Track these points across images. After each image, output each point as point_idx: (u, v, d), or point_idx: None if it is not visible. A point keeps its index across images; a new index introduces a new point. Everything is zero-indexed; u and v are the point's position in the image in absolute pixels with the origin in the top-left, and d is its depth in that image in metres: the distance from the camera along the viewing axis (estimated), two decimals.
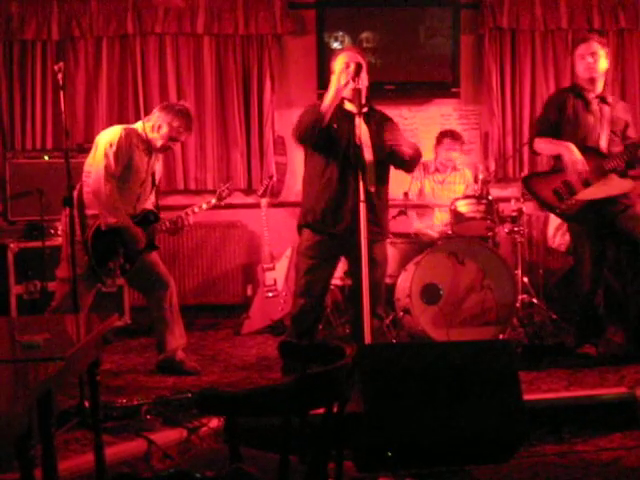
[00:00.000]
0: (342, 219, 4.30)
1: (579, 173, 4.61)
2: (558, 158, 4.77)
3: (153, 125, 4.54)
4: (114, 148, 4.35)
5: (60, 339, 2.72)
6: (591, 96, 4.78)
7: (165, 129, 4.53)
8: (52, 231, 5.48)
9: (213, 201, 4.89)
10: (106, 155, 4.33)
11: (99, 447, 2.96)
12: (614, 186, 4.67)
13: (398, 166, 4.45)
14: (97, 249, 4.39)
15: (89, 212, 4.39)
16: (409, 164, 4.47)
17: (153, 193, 4.77)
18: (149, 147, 4.57)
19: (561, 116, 4.76)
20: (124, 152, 4.40)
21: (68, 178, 3.92)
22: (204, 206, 4.83)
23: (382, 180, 4.40)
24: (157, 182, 4.79)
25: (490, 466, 3.40)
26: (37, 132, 6.39)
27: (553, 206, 4.80)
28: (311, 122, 4.24)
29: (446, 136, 5.93)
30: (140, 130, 4.57)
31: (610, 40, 6.83)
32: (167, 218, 4.70)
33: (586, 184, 4.65)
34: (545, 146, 4.86)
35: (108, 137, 4.42)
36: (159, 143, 4.56)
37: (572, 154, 4.62)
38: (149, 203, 4.74)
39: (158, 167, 4.78)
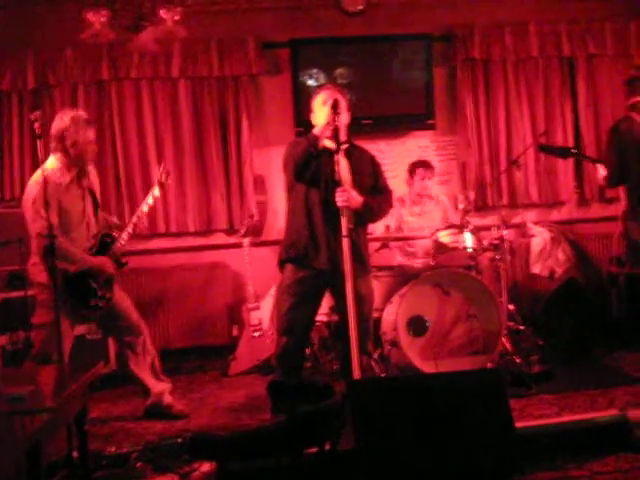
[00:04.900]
0: (325, 254, 4.30)
1: None
2: None
3: (70, 145, 4.39)
4: (39, 204, 4.16)
5: (46, 390, 2.69)
6: None
7: (79, 140, 4.39)
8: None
9: (155, 191, 4.75)
10: (36, 214, 4.20)
11: None
12: None
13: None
14: (73, 293, 4.36)
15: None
16: (372, 219, 4.59)
17: (99, 212, 4.65)
18: (76, 174, 4.45)
19: None
20: (49, 201, 4.14)
21: (48, 227, 3.90)
22: (150, 200, 4.71)
23: (361, 216, 4.40)
24: (98, 197, 4.65)
25: None
26: (15, 181, 6.35)
27: None
28: (306, 148, 4.23)
29: (418, 166, 6.00)
30: (55, 165, 4.39)
31: (580, 66, 6.95)
32: (122, 232, 4.61)
33: None
34: None
35: (28, 196, 4.28)
36: (85, 157, 4.46)
37: None
38: (100, 225, 4.63)
39: (93, 181, 4.64)
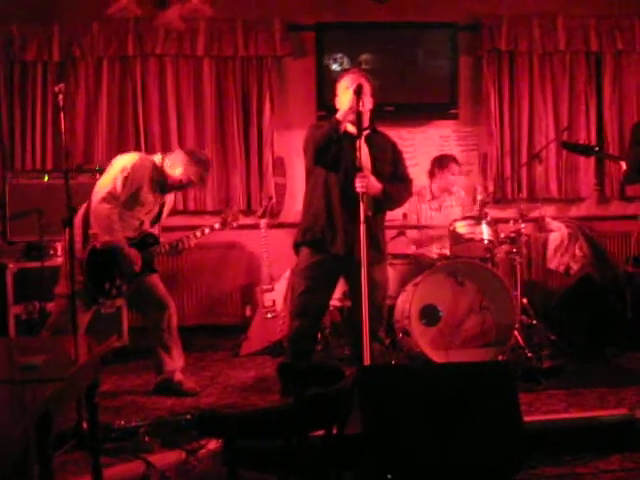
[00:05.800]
0: (341, 239, 4.30)
1: None
2: None
3: (171, 163, 4.62)
4: (125, 173, 4.41)
5: (59, 360, 2.71)
6: None
7: (179, 170, 4.60)
8: (51, 251, 5.47)
9: (216, 226, 4.91)
10: (115, 178, 4.39)
11: (97, 469, 2.95)
12: None
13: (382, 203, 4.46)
14: (92, 269, 4.39)
15: (91, 231, 4.41)
16: (390, 207, 4.57)
17: (156, 226, 4.80)
18: (163, 180, 4.62)
19: None
20: (134, 179, 4.44)
21: (68, 198, 3.91)
22: (207, 230, 4.84)
23: (380, 203, 4.39)
24: (164, 216, 4.82)
25: None
26: (37, 152, 6.40)
27: None
28: (328, 131, 4.23)
29: (452, 161, 5.89)
30: (158, 162, 4.62)
31: (607, 62, 6.89)
32: (167, 242, 4.70)
33: None
34: None
35: (124, 161, 4.49)
36: (170, 181, 4.63)
37: None
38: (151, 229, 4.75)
39: (169, 199, 4.84)
